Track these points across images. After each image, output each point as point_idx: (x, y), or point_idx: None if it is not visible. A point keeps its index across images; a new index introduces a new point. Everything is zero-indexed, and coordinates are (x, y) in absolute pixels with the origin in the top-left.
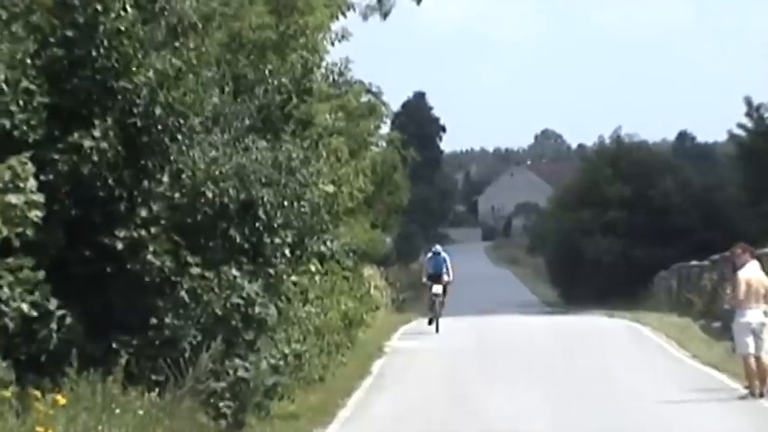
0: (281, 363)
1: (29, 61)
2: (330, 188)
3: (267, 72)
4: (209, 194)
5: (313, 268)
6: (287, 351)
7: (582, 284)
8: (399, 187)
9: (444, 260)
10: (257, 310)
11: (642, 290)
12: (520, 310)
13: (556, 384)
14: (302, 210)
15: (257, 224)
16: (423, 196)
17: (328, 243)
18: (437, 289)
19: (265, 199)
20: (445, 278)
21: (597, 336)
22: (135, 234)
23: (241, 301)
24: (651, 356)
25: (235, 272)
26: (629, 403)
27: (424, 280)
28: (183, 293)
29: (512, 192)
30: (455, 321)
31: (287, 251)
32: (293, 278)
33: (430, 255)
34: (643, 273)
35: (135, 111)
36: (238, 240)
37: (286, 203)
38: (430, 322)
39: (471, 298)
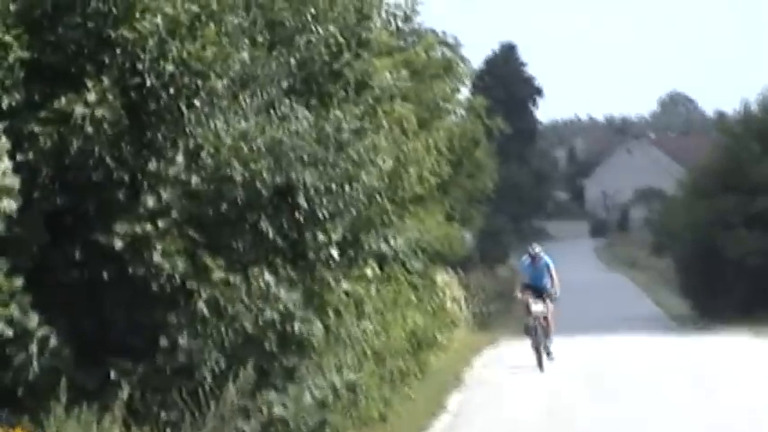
0: (330, 396)
1: (1, 6)
2: (392, 167)
3: (310, 18)
4: (237, 177)
5: (370, 273)
6: (337, 381)
7: (721, 293)
8: (483, 168)
9: (547, 266)
10: (298, 327)
11: None
12: (642, 326)
13: None
14: (356, 197)
15: (297, 215)
16: (513, 180)
17: (390, 240)
18: (538, 308)
19: (308, 183)
20: (549, 291)
21: (750, 370)
22: (139, 229)
23: (277, 316)
24: None
25: (268, 277)
26: None
27: (519, 294)
28: (201, 305)
29: (629, 174)
30: (556, 344)
31: (335, 251)
32: (344, 286)
33: (526, 259)
34: None
35: (139, 68)
36: (273, 237)
37: (335, 188)
38: (538, 355)
39: (577, 312)
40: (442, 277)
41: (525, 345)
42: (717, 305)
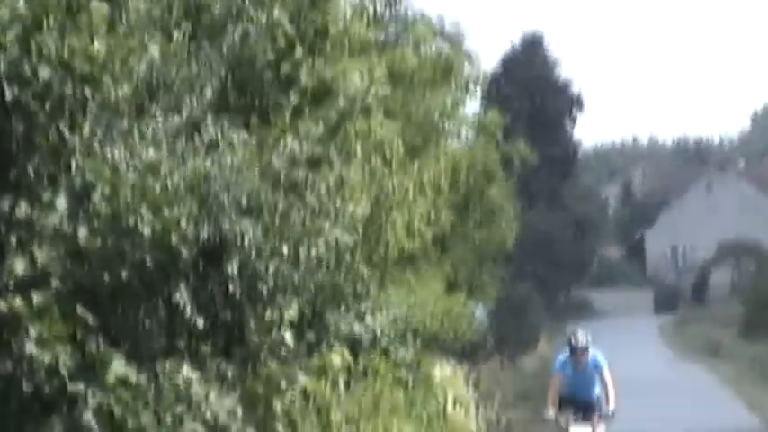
0: None
1: None
2: (369, 214)
3: (247, 2)
4: (144, 230)
5: (339, 365)
6: None
7: None
8: (500, 214)
9: (598, 367)
10: None
11: None
12: None
13: None
14: (317, 258)
15: (232, 286)
16: (544, 230)
17: (367, 318)
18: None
19: (247, 239)
20: (602, 408)
21: None
22: (4, 306)
23: (202, 430)
24: None
25: (189, 374)
26: None
27: (551, 413)
28: (87, 417)
29: (710, 220)
30: None
31: (288, 335)
32: (302, 383)
33: (565, 355)
34: None
35: None
36: (196, 316)
37: (286, 247)
38: None
39: (637, 425)
40: (442, 371)
41: None
42: None
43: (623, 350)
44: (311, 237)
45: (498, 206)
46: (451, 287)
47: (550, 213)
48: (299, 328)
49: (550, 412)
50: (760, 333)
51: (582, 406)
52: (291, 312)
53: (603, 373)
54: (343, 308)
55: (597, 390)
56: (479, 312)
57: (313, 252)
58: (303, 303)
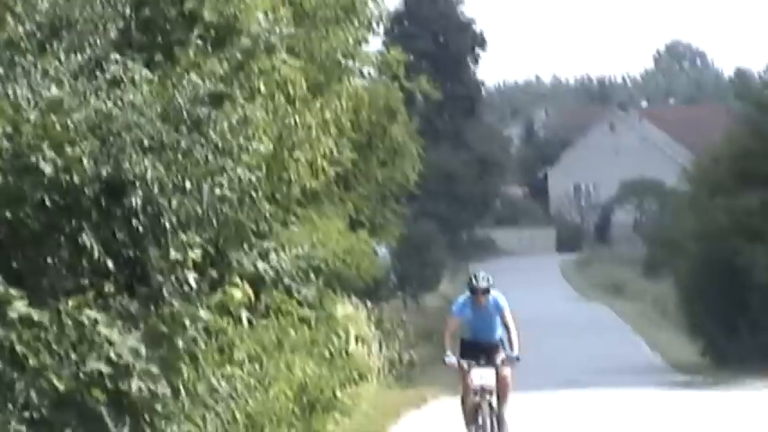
0: None
1: None
2: (272, 152)
3: None
4: (46, 168)
5: (237, 293)
6: None
7: (745, 332)
8: (402, 152)
9: (498, 309)
10: (136, 384)
11: None
12: (632, 380)
13: None
14: (220, 196)
15: (135, 224)
16: (447, 169)
17: (270, 256)
18: (485, 380)
19: (150, 177)
20: (502, 353)
21: None
22: None
23: (106, 369)
24: None
25: (92, 313)
26: None
27: (449, 357)
28: None
29: (612, 160)
30: (513, 404)
31: (192, 274)
32: (204, 320)
33: (465, 297)
34: None
35: None
36: (99, 255)
37: (189, 185)
38: None
39: (541, 361)
40: (345, 309)
41: None
42: (738, 348)
43: (527, 289)
44: (214, 174)
45: (401, 145)
46: (354, 226)
47: (454, 152)
48: (201, 267)
49: (451, 357)
50: (662, 273)
51: (484, 349)
52: (193, 252)
53: (505, 315)
54: (245, 246)
55: (499, 332)
56: (382, 251)
57: (217, 190)
58: (205, 242)
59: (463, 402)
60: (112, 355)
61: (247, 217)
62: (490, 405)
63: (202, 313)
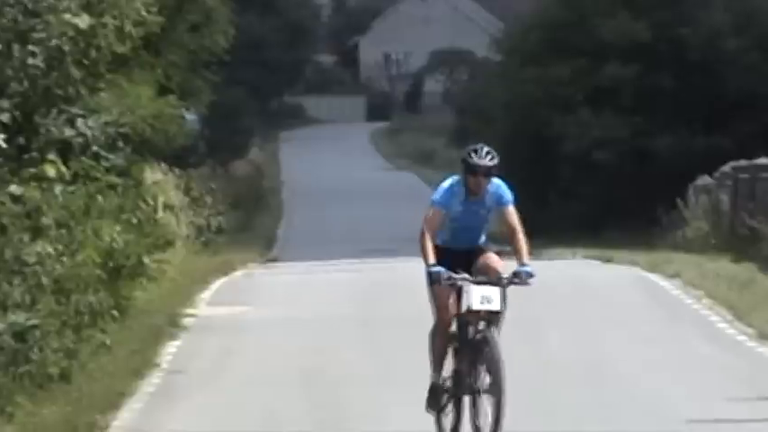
0: None
1: None
2: (84, 22)
3: None
4: None
5: (51, 171)
6: None
7: (555, 202)
8: (212, 17)
9: (499, 201)
10: None
11: (664, 212)
12: None
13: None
14: (29, 61)
15: None
16: (257, 36)
17: (78, 122)
18: (487, 300)
19: None
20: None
21: (587, 300)
22: None
23: None
24: (688, 341)
25: None
26: None
27: (437, 268)
28: None
29: (423, 29)
30: (318, 270)
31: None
32: (12, 189)
33: (452, 183)
34: (667, 180)
35: None
36: None
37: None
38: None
39: (351, 227)
40: (153, 176)
41: (273, 273)
42: (548, 219)
43: (335, 158)
44: (26, 40)
45: (211, 10)
46: (164, 92)
47: (263, 18)
48: (8, 132)
49: (440, 268)
50: (470, 141)
51: (462, 258)
52: (3, 116)
53: (509, 212)
54: (53, 112)
55: (483, 236)
56: (191, 117)
57: (24, 54)
58: (13, 106)
59: (434, 336)
60: None
61: (56, 83)
62: (486, 340)
63: (13, 188)
